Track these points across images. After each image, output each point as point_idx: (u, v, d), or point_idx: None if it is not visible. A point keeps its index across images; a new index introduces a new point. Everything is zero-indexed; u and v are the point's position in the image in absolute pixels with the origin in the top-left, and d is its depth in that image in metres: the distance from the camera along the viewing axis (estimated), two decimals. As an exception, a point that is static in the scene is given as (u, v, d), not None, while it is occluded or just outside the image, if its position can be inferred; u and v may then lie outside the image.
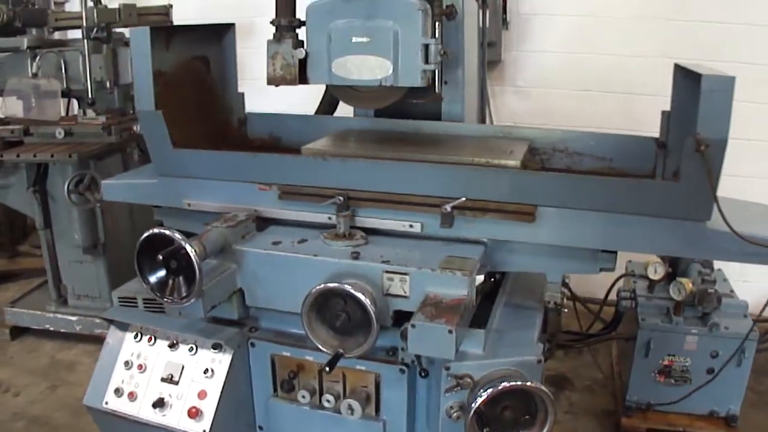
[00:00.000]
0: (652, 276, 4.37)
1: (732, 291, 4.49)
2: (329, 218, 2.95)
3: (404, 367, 2.84)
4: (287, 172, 2.98)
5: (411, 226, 2.89)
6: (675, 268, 4.48)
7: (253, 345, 3.05)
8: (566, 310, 3.10)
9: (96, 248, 5.83)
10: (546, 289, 2.99)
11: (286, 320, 2.94)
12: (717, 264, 4.60)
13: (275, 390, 3.10)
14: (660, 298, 4.32)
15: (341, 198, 2.87)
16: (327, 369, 2.63)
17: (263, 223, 3.04)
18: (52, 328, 6.06)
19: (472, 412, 2.53)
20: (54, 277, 6.16)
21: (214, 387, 2.99)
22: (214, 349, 3.01)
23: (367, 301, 2.48)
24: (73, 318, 5.99)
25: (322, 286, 2.52)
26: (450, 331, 2.42)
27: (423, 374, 2.72)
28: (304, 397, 2.99)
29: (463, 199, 2.78)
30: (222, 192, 3.10)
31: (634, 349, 4.23)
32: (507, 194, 2.72)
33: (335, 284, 2.49)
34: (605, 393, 5.00)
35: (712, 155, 2.45)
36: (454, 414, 2.70)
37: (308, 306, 2.56)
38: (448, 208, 2.78)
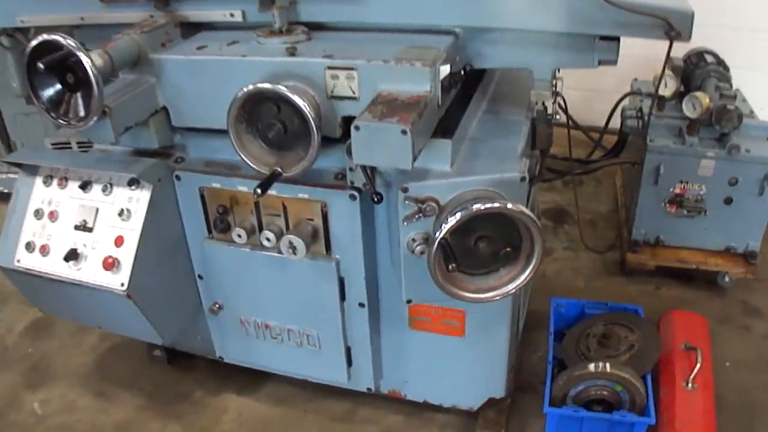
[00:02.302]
0: (661, 91, 3.71)
1: (752, 112, 3.87)
2: (231, 15, 2.43)
3: (355, 192, 2.30)
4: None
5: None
6: (687, 83, 3.84)
7: (178, 178, 2.56)
8: (558, 116, 2.49)
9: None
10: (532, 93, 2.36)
11: (218, 145, 2.45)
12: (735, 84, 3.96)
13: (210, 231, 2.65)
14: (671, 117, 3.72)
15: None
16: (258, 192, 2.16)
17: (190, 29, 2.56)
18: (5, 190, 5.46)
19: (436, 243, 1.98)
20: (1, 135, 5.53)
21: (132, 231, 2.51)
22: (130, 185, 2.52)
23: (303, 104, 2.07)
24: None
25: (249, 88, 2.11)
26: (404, 132, 1.87)
27: (376, 199, 2.14)
28: (240, 236, 2.54)
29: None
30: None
31: (641, 177, 3.68)
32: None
33: (263, 85, 2.09)
34: (609, 227, 4.53)
35: None
36: (417, 248, 2.16)
37: (235, 115, 2.17)
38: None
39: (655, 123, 3.71)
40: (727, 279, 3.76)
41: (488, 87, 2.70)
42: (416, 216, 2.12)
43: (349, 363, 2.78)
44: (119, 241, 2.50)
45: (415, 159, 1.94)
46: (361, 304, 2.58)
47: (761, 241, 3.73)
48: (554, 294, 3.45)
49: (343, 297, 2.57)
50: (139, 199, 2.50)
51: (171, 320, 2.78)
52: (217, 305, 2.81)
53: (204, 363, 3.30)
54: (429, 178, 2.12)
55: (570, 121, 3.62)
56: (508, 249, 2.12)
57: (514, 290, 2.16)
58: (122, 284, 2.46)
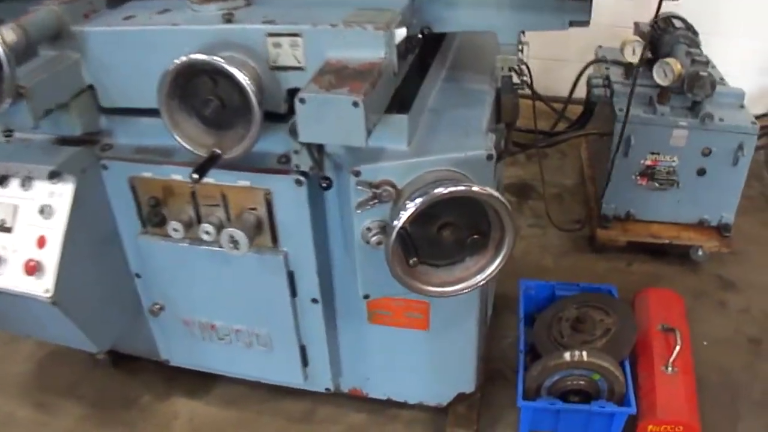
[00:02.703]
0: (629, 58, 3.53)
1: (722, 79, 3.69)
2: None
3: (301, 177, 2.05)
4: None
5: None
6: (656, 50, 3.64)
7: (105, 167, 2.30)
8: (524, 87, 2.26)
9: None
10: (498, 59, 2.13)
11: (150, 129, 2.19)
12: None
13: (144, 225, 2.39)
14: (640, 85, 3.51)
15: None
16: (195, 177, 1.91)
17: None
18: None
19: (394, 234, 1.74)
20: None
21: (54, 231, 2.23)
22: (50, 179, 2.23)
23: (240, 76, 1.83)
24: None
25: (181, 60, 1.86)
26: (356, 104, 1.64)
27: (324, 184, 1.89)
28: (176, 230, 2.27)
29: None
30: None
31: (610, 149, 3.46)
32: None
33: (197, 56, 1.85)
34: (576, 201, 4.34)
35: None
36: (373, 238, 1.92)
37: (166, 91, 1.91)
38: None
39: (624, 91, 3.50)
40: (700, 253, 3.60)
41: (448, 53, 2.46)
42: (370, 202, 1.88)
43: (305, 363, 2.55)
44: (41, 242, 2.22)
45: (369, 134, 1.71)
46: (314, 300, 2.35)
47: (735, 213, 3.58)
48: (522, 275, 3.26)
49: (293, 293, 2.34)
50: (62, 194, 2.22)
51: (106, 326, 2.53)
52: (157, 306, 2.57)
53: (151, 364, 3.05)
54: (383, 159, 1.89)
55: (531, 92, 3.43)
56: (476, 236, 1.89)
57: (483, 282, 1.94)
58: (47, 290, 2.19)
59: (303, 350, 2.51)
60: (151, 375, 3.10)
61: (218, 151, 1.97)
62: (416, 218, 1.79)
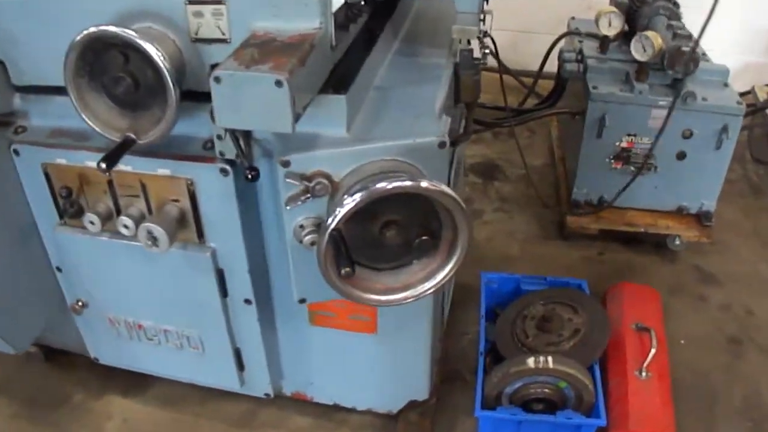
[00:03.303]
0: (605, 30, 3.27)
1: (705, 54, 3.45)
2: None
3: (226, 166, 1.78)
4: None
5: None
6: (633, 22, 3.39)
7: (17, 153, 2.03)
8: (486, 62, 2.00)
9: None
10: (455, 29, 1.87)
11: (67, 110, 1.85)
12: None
13: (61, 216, 2.12)
14: (616, 60, 3.37)
15: None
16: (103, 166, 1.66)
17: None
18: None
19: (327, 236, 1.48)
20: None
21: None
22: None
23: (152, 49, 1.59)
24: None
25: (87, 32, 1.62)
26: (279, 83, 1.38)
27: (250, 176, 1.62)
28: (93, 223, 2.01)
29: None
30: None
31: (582, 129, 3.23)
32: None
33: (104, 28, 1.61)
34: (545, 184, 4.04)
35: None
36: (306, 237, 1.66)
37: (72, 67, 1.68)
38: None
39: (598, 67, 3.26)
40: (678, 242, 3.38)
41: (402, 24, 2.20)
42: (302, 197, 1.63)
43: (240, 367, 2.30)
44: (-55, 237, 1.97)
45: (297, 119, 1.45)
46: (248, 301, 2.09)
47: (717, 200, 3.36)
48: (485, 263, 3.05)
49: (224, 293, 2.09)
50: (-34, 182, 1.97)
51: (22, 325, 2.30)
52: (80, 303, 2.31)
53: (85, 360, 2.78)
54: (318, 147, 1.63)
55: (498, 64, 3.20)
56: (424, 237, 1.64)
57: (432, 290, 1.69)
58: (-51, 289, 1.94)
59: (238, 353, 2.26)
60: (86, 371, 2.84)
61: (132, 136, 1.72)
62: (355, 216, 1.54)
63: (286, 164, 1.61)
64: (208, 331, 2.21)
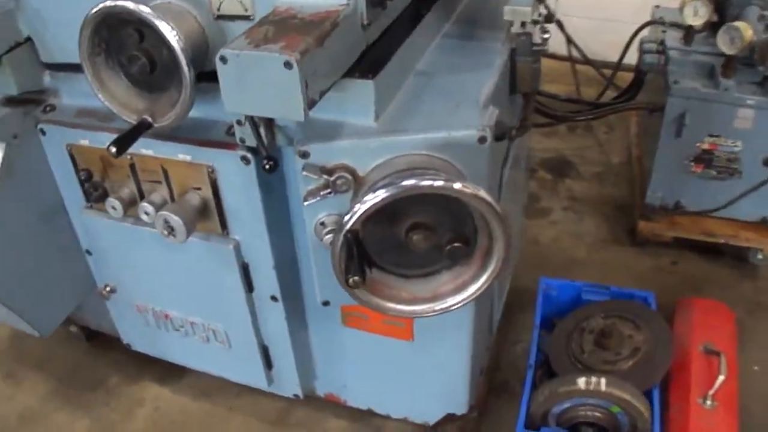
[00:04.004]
0: (690, 20, 3.00)
1: (802, 49, 3.15)
2: None
3: (248, 154, 1.63)
4: None
5: None
6: (722, 12, 3.10)
7: (43, 132, 1.96)
8: (547, 47, 1.80)
9: None
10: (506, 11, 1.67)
11: None
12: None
13: (87, 199, 2.05)
14: (701, 52, 3.08)
15: None
16: (113, 150, 1.58)
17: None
18: None
19: (341, 237, 1.32)
20: None
21: None
22: None
23: (164, 26, 1.47)
24: None
25: (98, 8, 1.52)
26: (288, 65, 1.23)
27: (267, 166, 1.47)
28: (114, 208, 1.92)
29: None
30: None
31: (660, 127, 3.06)
32: None
33: (116, 3, 1.51)
34: (620, 184, 3.78)
35: None
36: (326, 237, 1.50)
37: (86, 44, 1.60)
38: None
39: (680, 60, 3.01)
40: (760, 257, 3.10)
41: (455, 3, 2.00)
42: (322, 192, 1.47)
43: (268, 365, 2.17)
44: (-32, 215, 1.93)
45: (310, 106, 1.30)
46: (274, 298, 1.95)
47: (807, 212, 3.05)
48: (548, 266, 2.86)
49: (249, 288, 1.96)
50: (-8, 162, 1.91)
51: (49, 308, 2.25)
52: (108, 288, 2.25)
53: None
54: (341, 137, 1.47)
55: (574, 55, 2.98)
56: (456, 244, 1.46)
57: (461, 305, 1.51)
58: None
59: (265, 351, 2.14)
60: (124, 355, 2.76)
61: (148, 119, 1.63)
62: (377, 216, 1.37)
63: (305, 155, 1.46)
64: (234, 327, 2.09)
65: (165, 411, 2.65)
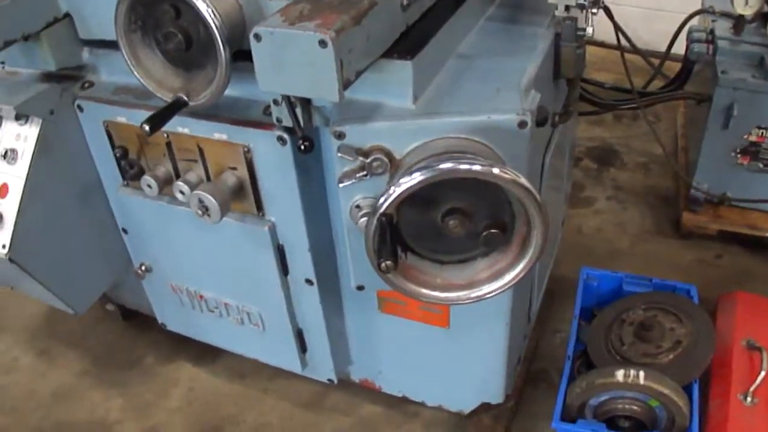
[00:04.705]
0: (740, 9, 2.91)
1: None
2: None
3: (284, 134, 1.60)
4: None
5: None
6: (776, 0, 3.03)
7: (81, 109, 1.95)
8: (590, 34, 1.75)
9: None
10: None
11: None
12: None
13: (123, 177, 2.04)
14: (751, 43, 2.99)
15: None
16: (146, 128, 1.55)
17: None
18: None
19: (375, 220, 1.29)
20: None
21: (18, 178, 1.93)
22: (17, 120, 1.92)
23: (200, 3, 1.44)
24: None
25: None
26: (323, 43, 1.21)
27: (303, 147, 1.45)
28: (150, 186, 1.91)
29: None
30: None
31: (707, 117, 2.99)
32: None
33: None
34: (665, 175, 3.71)
35: None
36: (361, 220, 1.47)
37: (123, 20, 1.57)
38: None
39: (729, 50, 2.94)
40: (808, 252, 3.00)
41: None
42: (358, 174, 1.44)
43: (303, 349, 2.16)
44: (4, 191, 1.92)
45: (346, 86, 1.27)
46: (309, 281, 1.93)
47: None
48: (590, 256, 2.80)
49: (285, 270, 1.94)
50: (27, 137, 1.90)
51: (83, 285, 2.24)
52: (143, 267, 2.24)
53: (161, 323, 2.76)
54: (377, 119, 1.44)
55: (623, 43, 2.91)
56: (493, 230, 1.43)
57: (498, 292, 1.47)
58: (3, 246, 1.89)
59: (300, 335, 2.13)
60: (160, 334, 2.77)
61: (183, 98, 1.60)
62: (412, 200, 1.34)
63: (340, 136, 1.44)
64: (268, 309, 2.08)
65: (199, 392, 2.65)
